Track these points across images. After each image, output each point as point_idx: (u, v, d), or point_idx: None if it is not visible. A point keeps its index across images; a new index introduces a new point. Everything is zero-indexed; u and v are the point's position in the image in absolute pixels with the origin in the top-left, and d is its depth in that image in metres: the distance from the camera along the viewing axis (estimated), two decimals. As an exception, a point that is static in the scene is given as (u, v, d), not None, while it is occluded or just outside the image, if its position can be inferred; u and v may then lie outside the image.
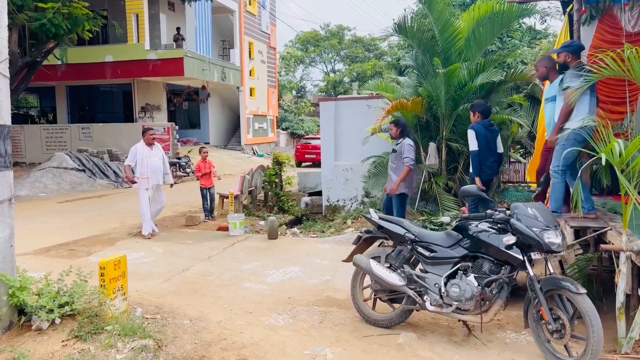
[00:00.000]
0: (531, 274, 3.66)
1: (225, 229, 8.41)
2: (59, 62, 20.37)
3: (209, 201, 9.70)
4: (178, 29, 21.39)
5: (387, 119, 8.75)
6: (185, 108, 25.87)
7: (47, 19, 11.91)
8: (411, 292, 4.09)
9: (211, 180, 9.68)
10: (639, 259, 3.65)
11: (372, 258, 4.41)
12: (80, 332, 3.79)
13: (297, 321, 4.46)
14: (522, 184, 8.93)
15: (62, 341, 3.72)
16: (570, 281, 3.56)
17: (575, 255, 4.78)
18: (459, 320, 4.10)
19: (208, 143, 25.33)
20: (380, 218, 4.48)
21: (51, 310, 3.88)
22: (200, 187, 9.79)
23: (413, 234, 4.22)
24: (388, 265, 4.36)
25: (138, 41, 20.29)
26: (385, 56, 40.48)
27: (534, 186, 8.05)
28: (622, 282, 3.69)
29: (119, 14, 20.41)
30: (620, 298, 3.70)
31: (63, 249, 7.40)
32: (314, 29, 42.95)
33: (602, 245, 3.87)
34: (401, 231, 4.28)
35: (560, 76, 4.96)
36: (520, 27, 16.12)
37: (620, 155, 3.44)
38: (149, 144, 8.16)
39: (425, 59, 8.25)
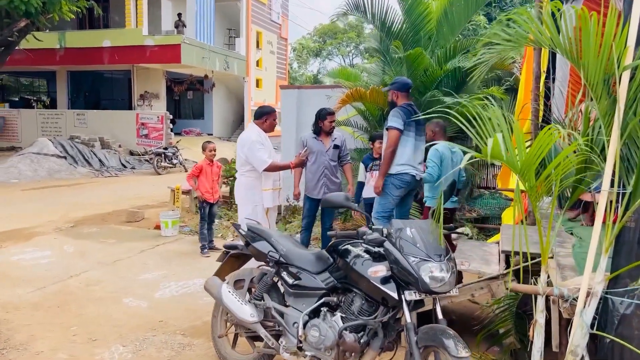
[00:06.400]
0: (408, 320, 2.61)
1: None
2: (58, 46, 20.02)
3: (207, 223, 6.49)
4: (179, 15, 20.64)
5: (352, 111, 7.77)
6: (190, 98, 25.20)
7: (15, -4, 11.26)
8: (262, 332, 3.08)
9: (218, 190, 6.80)
10: (566, 307, 2.56)
11: (235, 281, 3.43)
12: None
13: (137, 357, 3.52)
14: (500, 191, 7.75)
15: None
16: (454, 337, 2.49)
17: (506, 288, 3.69)
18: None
19: (211, 134, 24.55)
20: (249, 229, 3.47)
21: None
22: (202, 201, 6.48)
23: (279, 253, 3.21)
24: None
25: (136, 26, 19.65)
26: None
27: (508, 194, 6.92)
28: (538, 339, 2.59)
29: (119, -1, 19.85)
30: (535, 359, 2.61)
31: (-29, 243, 6.66)
32: (333, 20, 41.66)
33: (514, 285, 2.77)
34: (266, 249, 3.27)
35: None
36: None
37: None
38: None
39: (389, 43, 7.16)
